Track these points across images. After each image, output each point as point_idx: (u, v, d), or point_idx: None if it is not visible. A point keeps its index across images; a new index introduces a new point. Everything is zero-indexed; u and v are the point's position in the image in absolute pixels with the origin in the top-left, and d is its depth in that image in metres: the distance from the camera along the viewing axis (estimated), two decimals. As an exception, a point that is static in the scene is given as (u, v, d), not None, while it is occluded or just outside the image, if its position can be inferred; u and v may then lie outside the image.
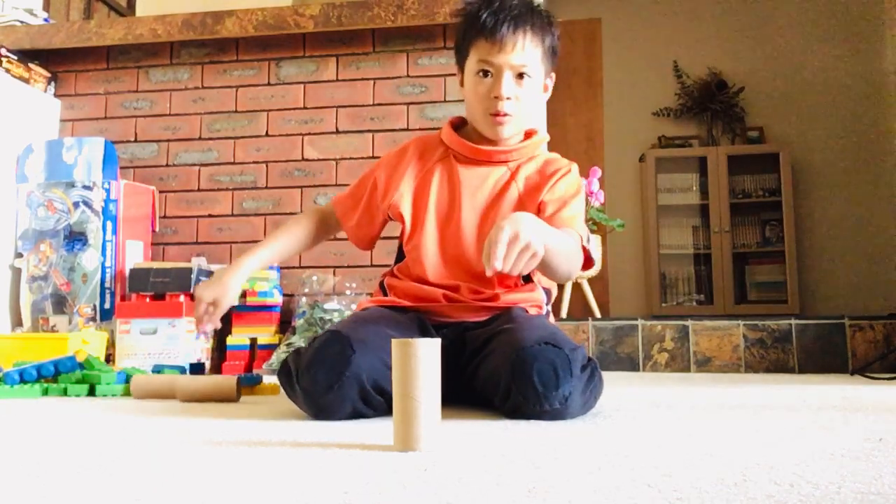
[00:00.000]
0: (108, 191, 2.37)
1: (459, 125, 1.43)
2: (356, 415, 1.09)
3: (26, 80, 2.57)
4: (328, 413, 1.07)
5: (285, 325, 2.41)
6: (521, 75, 1.29)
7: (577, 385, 1.06)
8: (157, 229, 2.57)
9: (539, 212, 1.32)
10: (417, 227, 1.37)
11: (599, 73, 4.84)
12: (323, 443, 0.86)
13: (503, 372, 1.08)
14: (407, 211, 1.37)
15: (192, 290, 2.21)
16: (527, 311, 1.34)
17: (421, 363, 0.79)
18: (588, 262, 1.33)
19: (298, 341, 2.24)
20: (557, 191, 1.35)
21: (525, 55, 1.28)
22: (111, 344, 2.20)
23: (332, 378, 1.06)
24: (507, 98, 1.29)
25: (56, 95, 2.69)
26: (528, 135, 1.41)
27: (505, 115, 1.30)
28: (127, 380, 1.66)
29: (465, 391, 1.25)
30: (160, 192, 2.60)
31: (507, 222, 1.03)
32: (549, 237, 1.11)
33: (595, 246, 3.41)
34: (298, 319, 2.35)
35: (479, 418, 1.09)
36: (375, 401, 1.09)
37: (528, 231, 1.02)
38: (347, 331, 1.12)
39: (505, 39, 1.27)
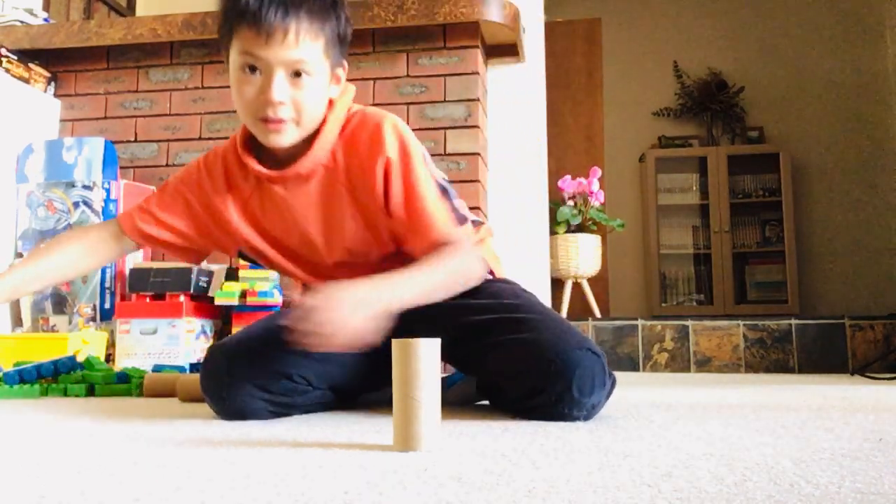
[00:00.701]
0: (108, 191, 2.37)
1: (251, 137, 1.17)
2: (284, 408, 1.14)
3: (26, 80, 2.57)
4: (241, 415, 1.12)
5: (285, 325, 2.40)
6: (297, 73, 1.06)
7: (604, 393, 1.07)
8: (157, 229, 2.56)
9: (389, 207, 1.14)
10: (276, 265, 1.26)
11: (599, 73, 4.84)
12: (323, 443, 0.86)
13: (532, 371, 1.04)
14: (260, 251, 1.24)
15: (190, 290, 2.21)
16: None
17: (421, 363, 0.79)
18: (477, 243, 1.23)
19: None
20: (395, 193, 1.13)
21: (301, 49, 1.04)
22: (111, 344, 2.20)
23: (221, 386, 1.11)
24: (281, 102, 1.06)
25: (56, 95, 2.69)
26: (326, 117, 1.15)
27: (279, 121, 1.07)
28: (127, 380, 1.66)
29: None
30: (160, 192, 2.60)
31: (319, 299, 0.91)
32: (400, 294, 1.00)
33: (595, 246, 3.41)
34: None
35: (479, 418, 1.09)
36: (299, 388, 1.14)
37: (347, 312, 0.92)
38: (229, 345, 1.18)
39: (273, 29, 1.02)
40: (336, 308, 0.92)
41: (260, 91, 1.06)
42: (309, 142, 1.14)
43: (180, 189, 1.26)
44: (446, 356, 1.08)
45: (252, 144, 1.18)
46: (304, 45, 1.04)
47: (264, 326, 1.20)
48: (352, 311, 0.93)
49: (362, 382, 1.25)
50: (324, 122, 1.14)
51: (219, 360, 1.14)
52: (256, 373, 1.11)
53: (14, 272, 1.20)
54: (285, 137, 1.10)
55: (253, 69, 1.06)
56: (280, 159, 1.16)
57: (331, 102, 1.15)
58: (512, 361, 1.08)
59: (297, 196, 1.17)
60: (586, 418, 1.06)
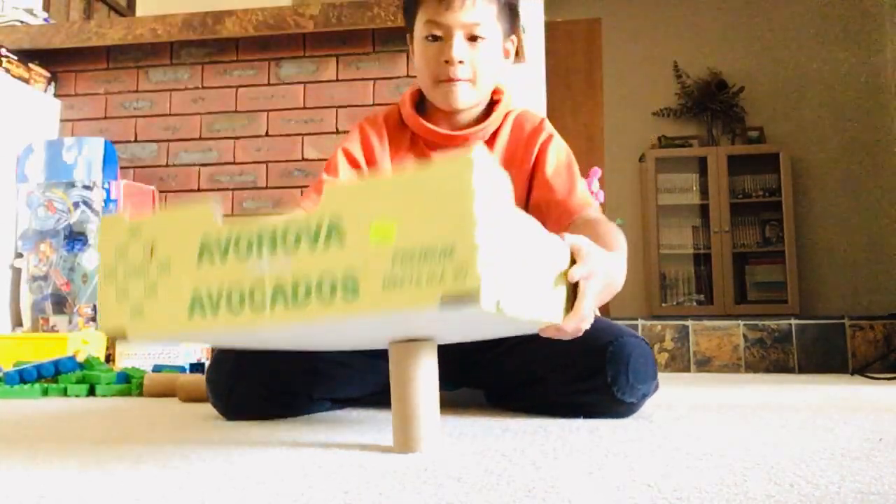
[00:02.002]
0: (108, 191, 2.37)
1: (419, 102, 1.29)
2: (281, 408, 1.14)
3: (26, 80, 2.57)
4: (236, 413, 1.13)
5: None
6: (473, 38, 1.17)
7: (653, 386, 1.10)
8: (157, 229, 2.56)
9: (532, 188, 1.22)
10: None
11: (599, 73, 4.84)
12: (323, 443, 0.86)
13: (589, 355, 1.05)
14: None
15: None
16: None
17: (420, 364, 0.78)
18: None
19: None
20: (551, 162, 1.22)
21: (476, 12, 1.16)
22: (111, 344, 2.20)
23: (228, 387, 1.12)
24: (460, 62, 1.16)
25: (56, 95, 2.69)
26: (494, 100, 1.29)
27: (458, 80, 1.18)
28: (127, 380, 1.66)
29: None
30: (160, 192, 2.60)
31: (588, 267, 0.83)
32: (621, 262, 1.00)
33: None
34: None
35: (480, 418, 1.09)
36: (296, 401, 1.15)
37: (607, 276, 0.88)
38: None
39: None
40: (606, 281, 0.87)
41: (440, 53, 1.17)
42: (477, 117, 1.25)
43: (348, 150, 1.27)
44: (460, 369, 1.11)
45: (419, 111, 1.26)
46: (479, 7, 1.15)
47: None
48: (604, 287, 0.88)
49: (363, 392, 1.25)
50: (497, 101, 1.27)
51: (227, 356, 1.14)
52: (262, 373, 1.11)
53: None
54: (462, 96, 1.19)
55: (435, 38, 1.17)
56: (444, 128, 1.24)
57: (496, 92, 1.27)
58: (561, 350, 1.03)
59: None
60: (631, 410, 1.09)
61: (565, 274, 0.81)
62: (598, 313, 1.17)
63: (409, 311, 0.61)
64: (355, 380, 1.19)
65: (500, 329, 0.86)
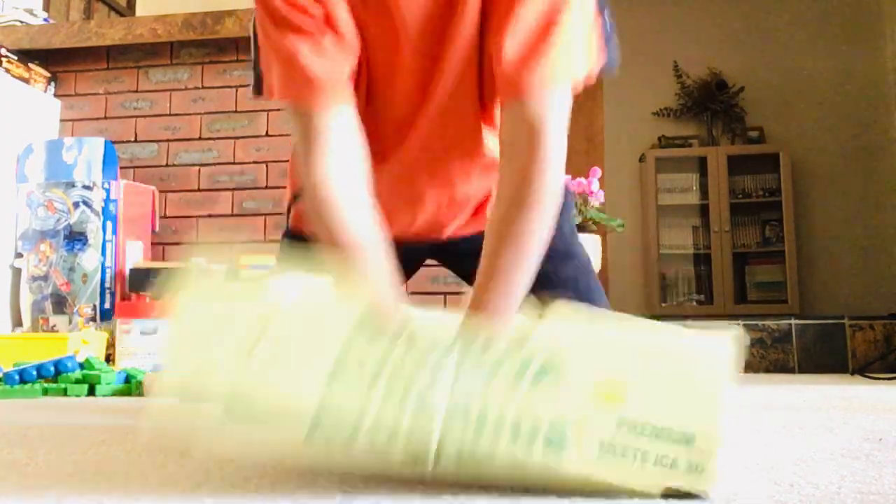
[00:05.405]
0: (108, 191, 2.37)
1: None
2: None
3: (26, 80, 2.57)
4: None
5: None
6: None
7: None
8: (157, 229, 2.56)
9: (486, 41, 0.81)
10: (371, 90, 0.88)
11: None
12: (323, 443, 0.85)
13: None
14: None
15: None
16: None
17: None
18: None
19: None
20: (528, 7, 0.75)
21: None
22: (111, 344, 2.20)
23: None
24: None
25: (56, 95, 2.69)
26: None
27: None
28: (127, 380, 1.66)
29: None
30: (160, 192, 2.60)
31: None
32: (511, 304, 0.71)
33: (595, 246, 3.41)
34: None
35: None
36: None
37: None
38: None
39: None
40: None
41: None
42: None
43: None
44: None
45: None
46: None
47: None
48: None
49: None
50: None
51: None
52: None
53: (381, 279, 0.74)
54: None
55: None
56: None
57: None
58: None
59: (413, 8, 0.81)
60: None
61: None
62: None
63: (616, 486, 0.53)
64: None
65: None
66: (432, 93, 0.85)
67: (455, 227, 1.02)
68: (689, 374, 0.55)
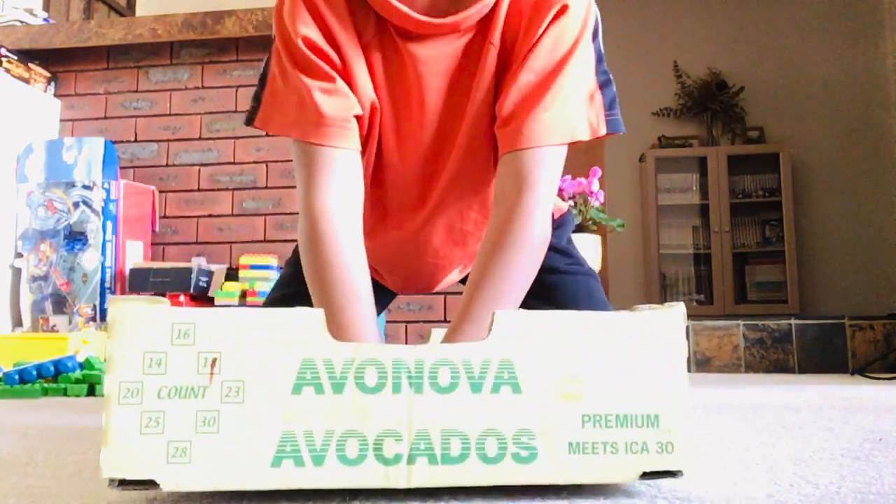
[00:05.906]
0: (108, 191, 2.37)
1: None
2: None
3: (26, 80, 2.57)
4: None
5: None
6: None
7: None
8: (157, 229, 2.57)
9: (508, 72, 0.83)
10: (383, 143, 0.89)
11: (599, 73, 4.84)
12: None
13: None
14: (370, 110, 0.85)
15: (190, 290, 2.21)
16: None
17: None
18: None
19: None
20: (543, 46, 0.80)
21: None
22: (111, 344, 2.20)
23: None
24: None
25: (56, 95, 2.69)
26: None
27: None
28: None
29: None
30: (160, 192, 2.60)
31: None
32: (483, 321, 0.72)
33: (595, 246, 3.42)
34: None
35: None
36: None
37: None
38: None
39: None
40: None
41: None
42: None
43: (311, 40, 0.81)
44: None
45: None
46: None
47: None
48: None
49: None
50: None
51: None
52: None
53: (360, 322, 0.76)
54: None
55: None
56: (419, 10, 0.81)
57: None
58: None
59: (433, 60, 0.83)
60: None
61: None
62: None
63: (593, 482, 0.54)
64: None
65: None
66: (447, 157, 0.89)
67: (447, 284, 1.06)
68: (642, 356, 0.55)
